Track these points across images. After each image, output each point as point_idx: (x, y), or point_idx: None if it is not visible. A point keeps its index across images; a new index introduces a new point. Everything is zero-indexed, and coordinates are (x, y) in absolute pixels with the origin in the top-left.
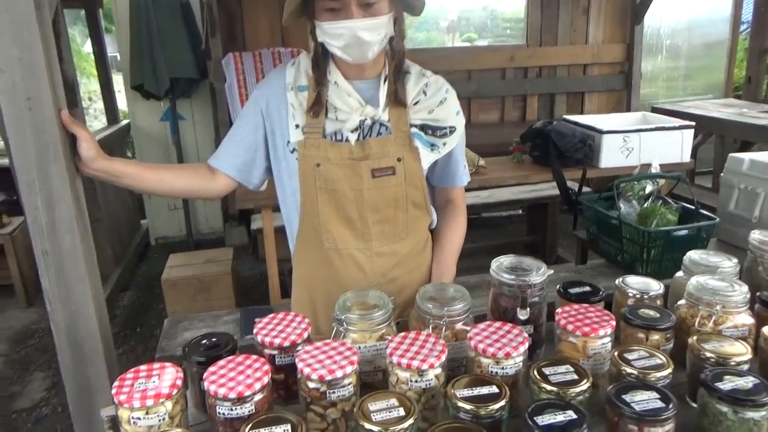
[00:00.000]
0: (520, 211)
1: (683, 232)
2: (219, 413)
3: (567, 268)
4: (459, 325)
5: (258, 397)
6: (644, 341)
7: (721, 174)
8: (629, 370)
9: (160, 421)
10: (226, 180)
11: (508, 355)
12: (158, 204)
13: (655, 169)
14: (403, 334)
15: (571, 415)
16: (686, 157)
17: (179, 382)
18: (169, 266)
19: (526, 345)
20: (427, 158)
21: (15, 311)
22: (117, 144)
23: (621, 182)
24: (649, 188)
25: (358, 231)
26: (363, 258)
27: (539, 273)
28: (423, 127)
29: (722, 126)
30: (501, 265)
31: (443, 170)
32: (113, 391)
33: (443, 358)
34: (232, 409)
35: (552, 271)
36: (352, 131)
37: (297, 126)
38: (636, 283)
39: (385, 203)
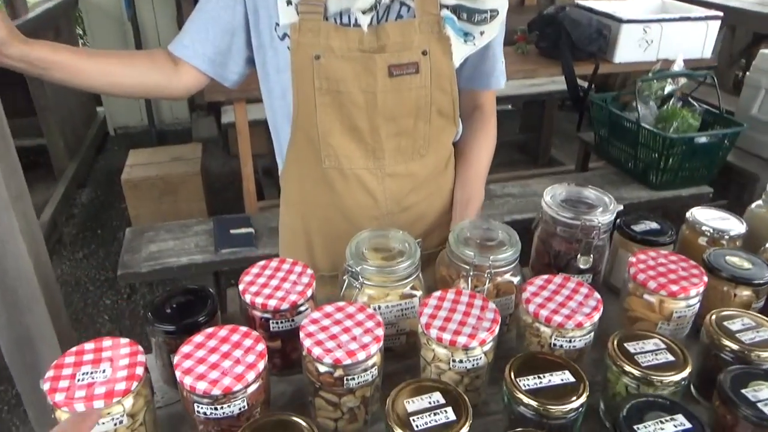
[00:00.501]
0: (509, 107)
1: (705, 139)
2: (199, 412)
3: (569, 176)
4: (506, 277)
5: (252, 389)
6: (731, 297)
7: (747, 73)
8: (734, 345)
9: (116, 424)
10: (193, 74)
11: (579, 326)
12: None
13: (678, 66)
14: (438, 294)
15: (682, 422)
16: (708, 53)
17: (140, 370)
18: (129, 165)
19: (600, 311)
20: (459, 52)
21: None
22: (63, 20)
23: (643, 80)
24: (669, 88)
25: (368, 146)
26: (373, 180)
27: (608, 210)
28: (456, 9)
29: (738, 15)
30: (555, 197)
31: (476, 68)
32: (45, 387)
33: (496, 330)
34: (216, 408)
35: (621, 207)
36: (363, 12)
37: (289, 2)
38: (711, 218)
39: (405, 111)
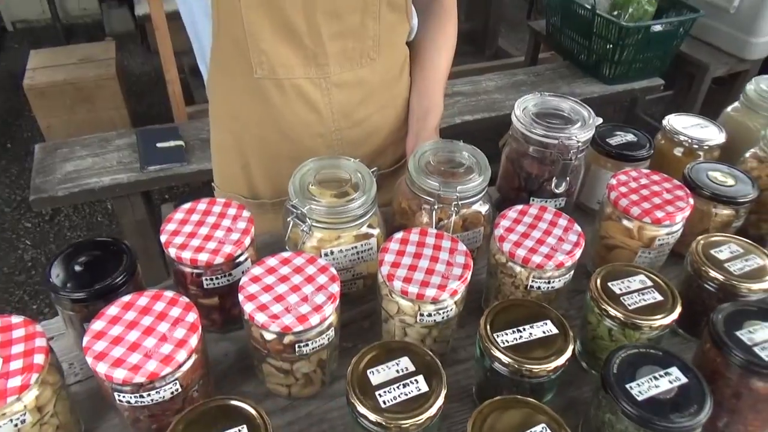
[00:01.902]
0: None
1: (660, 27)
2: (120, 401)
3: (520, 70)
4: (475, 206)
5: (184, 368)
6: (711, 215)
7: None
8: (722, 277)
9: (17, 425)
10: None
11: (560, 266)
12: None
13: None
14: (400, 236)
15: (678, 376)
16: None
17: (39, 359)
18: (31, 68)
19: (582, 246)
20: None
21: None
22: None
23: None
24: None
25: (308, 50)
26: (316, 92)
27: (587, 125)
28: None
29: None
30: (528, 110)
31: None
32: None
33: (468, 277)
34: (142, 396)
35: (600, 120)
36: None
37: None
38: (688, 125)
39: (349, 5)
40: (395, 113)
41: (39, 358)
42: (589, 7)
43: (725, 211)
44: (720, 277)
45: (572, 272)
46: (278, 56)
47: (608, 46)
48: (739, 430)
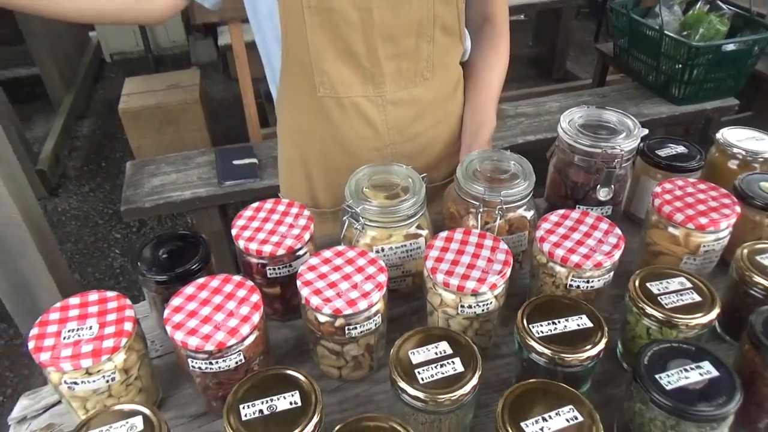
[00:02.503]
0: (522, 17)
1: (733, 47)
2: (193, 367)
3: (586, 91)
4: (520, 211)
5: (248, 342)
6: (763, 226)
7: None
8: (765, 281)
9: (108, 381)
10: None
11: (598, 266)
12: None
13: None
14: (445, 235)
15: (708, 369)
16: None
17: (128, 326)
18: (126, 93)
19: (621, 249)
20: None
21: None
22: None
23: None
24: None
25: (366, 70)
26: (373, 109)
27: (631, 135)
28: None
29: None
30: (573, 121)
31: None
32: (30, 345)
33: (507, 272)
34: (211, 363)
35: (647, 131)
36: None
37: None
38: (743, 138)
39: (404, 29)
40: (449, 129)
41: (128, 326)
42: (657, 27)
43: None
44: (765, 282)
45: (611, 274)
46: (339, 76)
47: (677, 66)
48: None
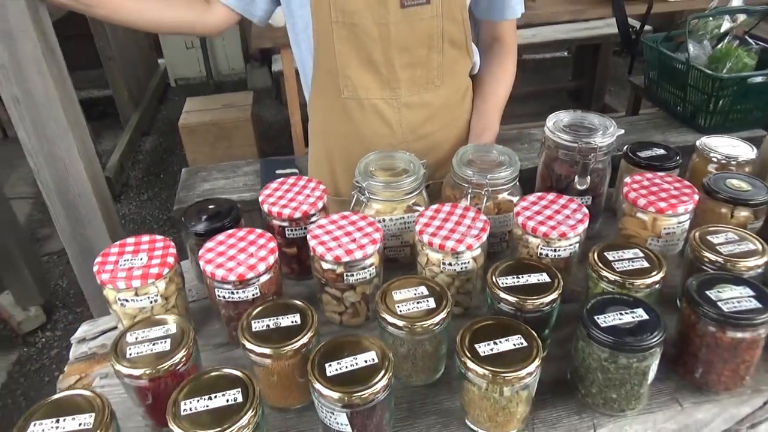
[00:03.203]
0: (566, 53)
1: (760, 79)
2: (219, 296)
3: (618, 120)
4: (503, 195)
5: (263, 278)
6: (728, 218)
7: None
8: (713, 257)
9: (151, 302)
10: (223, 12)
11: (563, 236)
12: (174, 41)
13: (737, 1)
14: (435, 207)
15: (641, 314)
16: None
17: (171, 260)
18: (186, 111)
19: (586, 224)
20: None
21: None
22: None
23: (695, 17)
24: (725, 26)
25: (383, 77)
26: (389, 110)
27: (607, 133)
28: None
29: None
30: (559, 122)
31: None
32: (95, 269)
33: (484, 237)
34: (233, 293)
35: (623, 131)
36: None
37: None
38: (722, 145)
39: (417, 42)
40: (456, 132)
41: (170, 260)
42: (684, 60)
43: (743, 213)
44: (713, 257)
45: (577, 245)
46: (360, 81)
47: (703, 97)
48: (713, 379)
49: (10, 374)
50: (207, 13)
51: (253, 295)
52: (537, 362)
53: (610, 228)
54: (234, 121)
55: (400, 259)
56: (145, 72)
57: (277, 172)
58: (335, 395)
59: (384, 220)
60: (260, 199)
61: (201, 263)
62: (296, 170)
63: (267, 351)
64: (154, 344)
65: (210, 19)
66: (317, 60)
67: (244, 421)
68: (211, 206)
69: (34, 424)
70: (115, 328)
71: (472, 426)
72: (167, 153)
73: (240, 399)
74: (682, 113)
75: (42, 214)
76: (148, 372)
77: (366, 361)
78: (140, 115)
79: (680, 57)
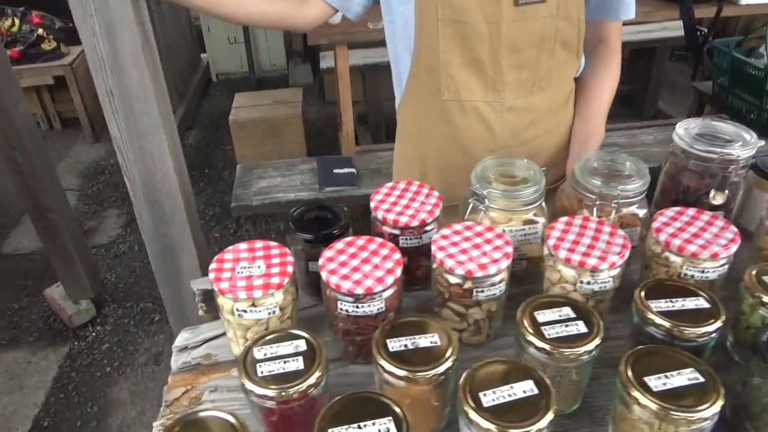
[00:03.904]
0: None
1: None
2: (341, 309)
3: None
4: (633, 208)
5: (389, 292)
6: None
7: None
8: None
9: (270, 314)
10: (319, 6)
11: (715, 256)
12: (218, 36)
13: None
14: (565, 219)
15: None
16: None
17: (290, 269)
18: (235, 107)
19: (738, 244)
20: None
21: (83, 146)
22: None
23: None
24: None
25: (489, 78)
26: (491, 113)
27: (748, 144)
28: None
29: None
30: (689, 130)
31: None
32: (211, 276)
33: (626, 254)
34: (357, 306)
35: (763, 142)
36: None
37: None
38: None
39: (528, 42)
40: (558, 137)
41: (290, 269)
42: (761, 66)
43: None
44: None
45: (726, 267)
46: (464, 82)
47: None
48: None
49: (61, 368)
50: (302, 7)
51: (378, 309)
52: (721, 402)
53: (740, 247)
54: (285, 118)
55: (516, 273)
56: (189, 66)
57: (335, 171)
58: (495, 430)
59: (504, 232)
60: (372, 205)
61: (323, 274)
62: (354, 170)
63: (405, 374)
64: (285, 362)
65: (305, 14)
66: (417, 58)
67: None
68: (317, 210)
69: None
70: (218, 336)
71: None
72: (211, 148)
73: (393, 430)
74: (756, 121)
75: (87, 206)
76: (283, 394)
77: (524, 392)
78: (185, 110)
79: (756, 63)
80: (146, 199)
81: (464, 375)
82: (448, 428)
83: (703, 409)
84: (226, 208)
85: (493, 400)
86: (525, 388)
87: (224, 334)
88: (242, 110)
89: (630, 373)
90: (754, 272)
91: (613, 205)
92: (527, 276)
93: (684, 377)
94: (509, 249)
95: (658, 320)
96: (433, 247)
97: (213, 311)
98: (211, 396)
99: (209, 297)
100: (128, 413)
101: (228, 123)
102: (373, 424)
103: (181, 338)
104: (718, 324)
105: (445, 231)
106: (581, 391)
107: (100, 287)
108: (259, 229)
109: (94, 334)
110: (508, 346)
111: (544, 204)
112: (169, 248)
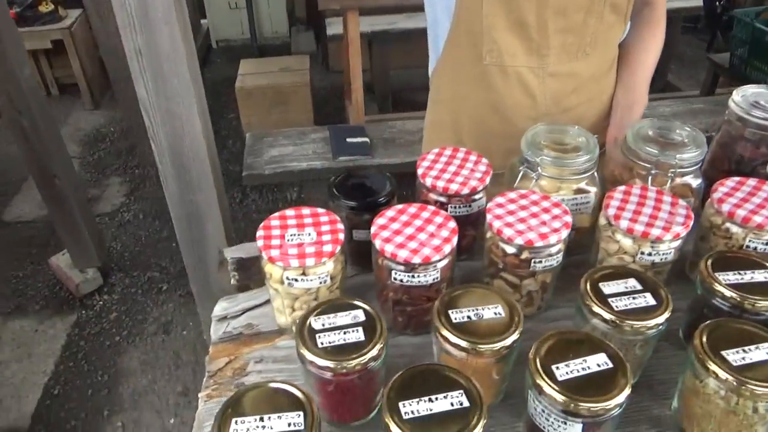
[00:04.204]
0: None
1: None
2: (394, 278)
3: (697, 99)
4: (687, 179)
5: (445, 262)
6: None
7: None
8: None
9: (321, 283)
10: None
11: None
12: (218, 1)
13: None
14: (623, 188)
15: None
16: None
17: (341, 236)
18: (241, 74)
19: None
20: None
21: (82, 113)
22: None
23: None
24: None
25: (533, 42)
26: (534, 79)
27: None
28: None
29: None
30: (747, 97)
31: None
32: (259, 243)
33: (691, 225)
34: (413, 276)
35: None
36: None
37: None
38: None
39: (576, 5)
40: (600, 105)
41: (341, 236)
42: None
43: None
44: None
45: None
46: (507, 46)
47: None
48: None
49: (69, 336)
50: None
51: (434, 279)
52: None
53: None
54: (292, 86)
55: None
56: None
57: (348, 140)
58: (570, 404)
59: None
60: (420, 171)
61: (377, 242)
62: (367, 139)
63: (469, 345)
64: (345, 333)
65: None
66: (458, 20)
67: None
68: (362, 177)
69: (236, 422)
70: (258, 306)
71: None
72: (214, 116)
73: (466, 403)
74: None
75: (90, 174)
76: (344, 366)
77: (599, 365)
78: None
79: None
80: (173, 164)
81: (534, 347)
82: (503, 402)
83: None
84: (231, 177)
85: (567, 373)
86: (599, 362)
87: (263, 303)
88: (248, 77)
89: (707, 346)
90: None
91: (669, 174)
92: (576, 246)
93: (763, 351)
94: (568, 218)
95: (728, 293)
96: (489, 216)
97: (245, 281)
98: (256, 367)
99: (242, 266)
100: (139, 382)
101: (230, 91)
102: (445, 396)
103: (220, 308)
104: None
105: (500, 199)
106: (642, 365)
107: (106, 256)
108: (266, 199)
109: (101, 303)
110: (561, 318)
111: (596, 174)
112: (195, 215)
